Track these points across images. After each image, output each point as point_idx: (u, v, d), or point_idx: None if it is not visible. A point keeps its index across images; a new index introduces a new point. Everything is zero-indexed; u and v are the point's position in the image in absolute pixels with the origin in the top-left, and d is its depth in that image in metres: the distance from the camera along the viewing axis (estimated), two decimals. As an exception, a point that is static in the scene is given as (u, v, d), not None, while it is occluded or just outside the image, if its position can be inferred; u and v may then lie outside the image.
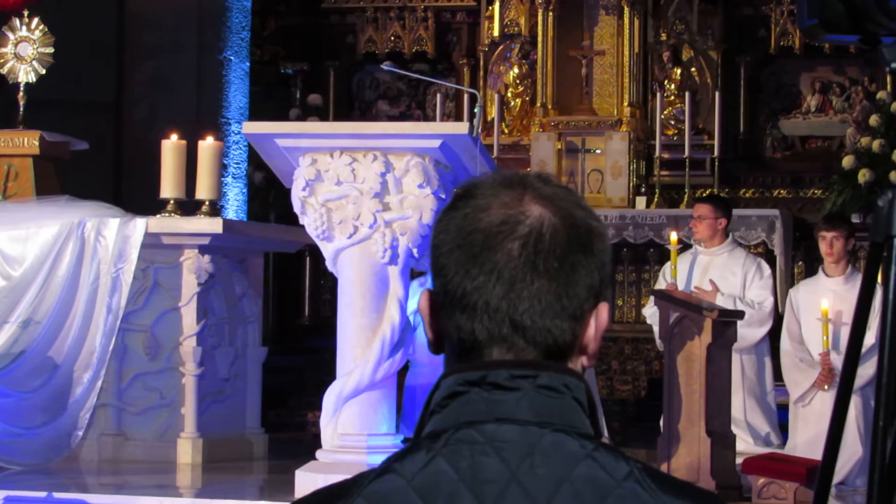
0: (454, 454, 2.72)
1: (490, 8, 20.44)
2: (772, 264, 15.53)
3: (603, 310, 2.75)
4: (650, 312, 12.87)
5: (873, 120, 18.39)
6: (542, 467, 2.71)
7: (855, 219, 15.16)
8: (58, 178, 14.99)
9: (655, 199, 19.22)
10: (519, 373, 2.74)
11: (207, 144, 13.53)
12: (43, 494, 11.33)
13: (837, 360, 12.62)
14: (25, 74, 15.41)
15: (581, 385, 2.80)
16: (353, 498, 2.76)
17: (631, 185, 19.38)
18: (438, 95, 19.16)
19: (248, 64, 21.22)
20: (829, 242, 13.42)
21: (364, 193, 11.14)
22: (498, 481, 2.73)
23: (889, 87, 18.97)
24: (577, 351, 2.79)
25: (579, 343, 2.78)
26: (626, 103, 19.81)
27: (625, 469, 2.74)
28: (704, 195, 16.69)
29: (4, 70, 15.50)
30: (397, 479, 2.74)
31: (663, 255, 14.16)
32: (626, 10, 19.80)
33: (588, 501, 2.74)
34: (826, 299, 12.92)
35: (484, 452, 2.71)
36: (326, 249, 11.38)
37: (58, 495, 11.31)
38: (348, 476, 2.82)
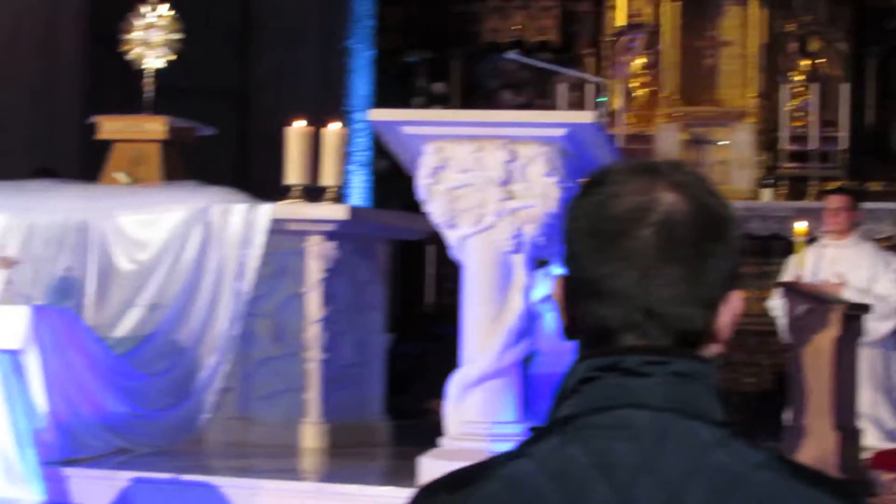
0: (586, 439, 2.75)
1: (613, 5, 20.41)
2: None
3: (736, 298, 2.76)
4: (776, 305, 12.80)
5: None
6: (675, 454, 2.73)
7: None
8: (184, 164, 15.07)
9: (781, 191, 19.14)
10: (652, 359, 2.76)
11: (332, 131, 13.56)
12: (168, 476, 11.40)
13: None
14: (153, 62, 15.47)
15: (714, 372, 2.78)
16: (486, 481, 2.79)
17: (756, 176, 19.31)
18: (563, 85, 19.10)
19: (371, 52, 21.28)
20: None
21: (489, 182, 11.12)
22: (630, 467, 2.74)
23: None
24: (709, 338, 2.79)
25: (711, 330, 2.79)
26: (751, 94, 19.70)
27: (757, 457, 2.74)
28: (837, 187, 16.57)
29: (132, 55, 15.57)
30: (530, 463, 2.76)
31: (788, 248, 14.01)
32: (753, 1, 19.72)
33: (721, 489, 2.75)
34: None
35: (616, 438, 2.74)
36: (451, 237, 11.36)
37: (183, 477, 11.37)
38: (474, 462, 2.84)
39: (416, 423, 13.03)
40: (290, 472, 11.94)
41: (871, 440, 12.71)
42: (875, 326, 12.89)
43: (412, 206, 12.30)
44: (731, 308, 2.79)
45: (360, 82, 21.00)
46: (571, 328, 2.85)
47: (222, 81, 19.90)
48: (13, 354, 10.97)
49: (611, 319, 2.76)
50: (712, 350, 2.84)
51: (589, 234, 2.75)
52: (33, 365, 11.29)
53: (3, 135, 19.14)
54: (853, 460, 11.63)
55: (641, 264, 2.72)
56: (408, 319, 16.51)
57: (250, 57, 21.24)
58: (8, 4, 20.05)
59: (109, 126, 15.29)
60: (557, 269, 12.04)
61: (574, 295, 2.81)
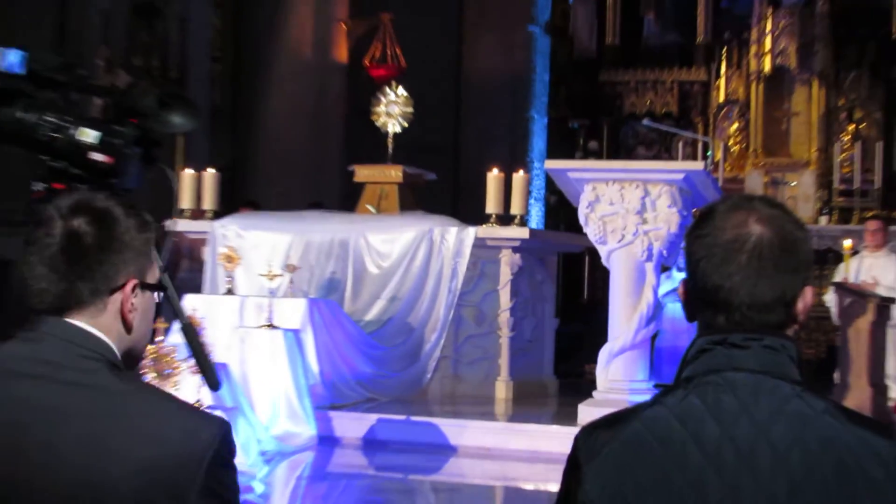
0: (702, 392, 2.83)
1: (718, 81, 20.21)
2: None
3: (808, 292, 2.83)
4: (829, 298, 12.73)
5: None
6: (764, 403, 2.81)
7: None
8: (415, 199, 15.14)
9: (833, 218, 18.95)
10: (750, 336, 2.84)
11: (519, 176, 13.61)
12: (402, 418, 11.50)
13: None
14: (393, 126, 15.55)
15: (793, 346, 2.85)
16: (631, 422, 2.85)
17: (816, 207, 19.10)
18: (681, 143, 18.98)
19: (546, 119, 21.22)
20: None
21: (629, 211, 11.17)
22: (733, 412, 2.80)
23: None
24: (791, 321, 2.85)
25: (791, 316, 2.83)
26: (814, 149, 19.39)
27: (822, 405, 2.80)
28: (873, 215, 16.42)
29: (378, 122, 15.66)
30: (662, 409, 2.83)
31: (838, 258, 13.94)
32: (815, 82, 19.42)
33: (796, 427, 2.80)
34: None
35: (723, 391, 2.83)
36: (602, 250, 11.42)
37: (413, 418, 11.47)
38: (617, 409, 2.90)
39: (576, 381, 13.02)
40: (487, 415, 12.03)
41: (895, 393, 12.64)
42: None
43: (575, 228, 12.36)
44: (805, 301, 2.85)
45: (538, 140, 20.93)
46: (690, 315, 2.91)
47: (441, 140, 19.90)
48: (295, 332, 11.10)
49: (724, 312, 2.82)
50: (792, 329, 2.86)
51: (704, 257, 2.85)
52: (309, 339, 11.43)
53: (287, 179, 19.31)
54: (882, 407, 11.56)
55: (741, 277, 2.81)
56: (570, 308, 16.45)
57: (461, 122, 21.21)
58: (292, 91, 20.21)
59: (362, 172, 15.44)
60: (679, 275, 12.07)
61: (694, 293, 2.90)
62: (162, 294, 3.55)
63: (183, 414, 2.82)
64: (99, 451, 2.68)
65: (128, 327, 2.81)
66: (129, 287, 2.79)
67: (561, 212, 17.85)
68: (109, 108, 4.26)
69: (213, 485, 2.74)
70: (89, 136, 4.09)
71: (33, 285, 2.79)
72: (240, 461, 8.78)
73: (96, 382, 2.74)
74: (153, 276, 2.89)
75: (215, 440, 2.74)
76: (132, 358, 2.90)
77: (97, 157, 4.08)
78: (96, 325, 2.78)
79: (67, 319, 2.78)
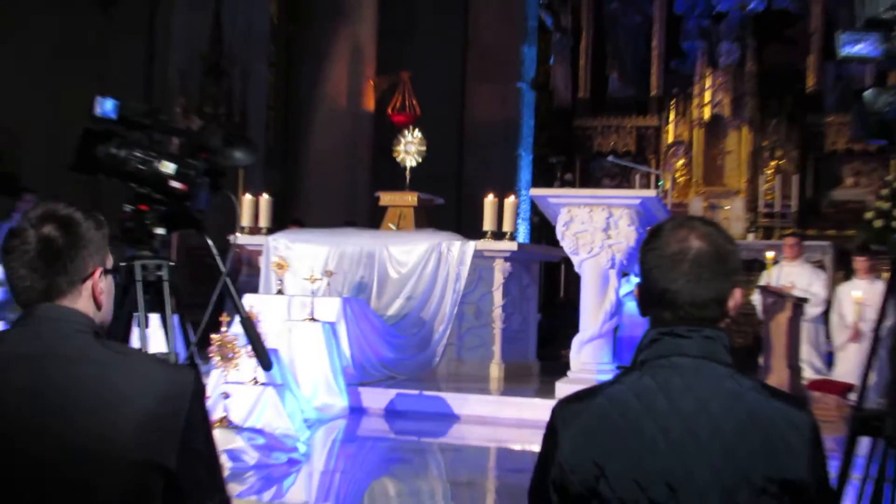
0: (654, 373, 2.84)
1: (667, 126, 20.13)
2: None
3: (738, 293, 2.85)
4: (755, 298, 12.74)
5: (885, 192, 17.97)
6: (705, 381, 2.82)
7: (874, 248, 14.74)
8: (427, 219, 15.10)
9: (759, 235, 18.91)
10: (692, 328, 2.84)
11: (509, 201, 13.58)
12: (416, 392, 11.49)
13: (863, 327, 12.41)
14: (410, 161, 15.51)
15: (726, 336, 2.87)
16: (596, 396, 2.86)
17: (745, 226, 19.05)
18: (638, 175, 18.93)
19: (531, 156, 21.18)
20: (861, 262, 13.18)
21: (596, 229, 11.15)
22: (679, 389, 2.80)
23: (892, 172, 18.38)
24: (724, 316, 2.86)
25: (724, 312, 2.84)
26: (743, 180, 19.27)
27: (749, 384, 2.81)
28: (791, 233, 16.45)
29: (398, 158, 15.61)
30: (622, 387, 2.84)
31: (762, 266, 13.93)
32: (745, 127, 19.32)
33: (729, 402, 2.80)
34: (857, 291, 12.67)
35: (671, 372, 2.84)
36: (575, 260, 11.39)
37: (424, 392, 11.45)
38: (586, 387, 2.91)
39: (554, 363, 12.97)
40: (484, 390, 12.01)
41: (808, 374, 12.59)
42: (811, 310, 12.78)
43: (553, 242, 12.35)
44: (735, 300, 2.86)
45: (524, 173, 20.87)
46: (643, 312, 2.91)
47: (447, 172, 19.88)
48: (331, 325, 11.09)
49: (671, 309, 2.84)
50: (724, 323, 2.87)
51: (654, 267, 2.88)
52: (342, 330, 11.42)
53: (326, 202, 19.31)
54: (797, 385, 11.53)
55: (684, 281, 2.84)
56: (549, 306, 16.39)
57: (463, 158, 21.20)
58: (330, 133, 20.19)
59: (385, 198, 15.42)
60: (635, 279, 12.06)
61: (647, 294, 2.92)
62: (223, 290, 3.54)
63: (162, 365, 2.88)
64: (103, 406, 2.67)
65: (98, 306, 2.83)
66: (96, 275, 2.80)
67: (542, 230, 17.78)
68: (185, 145, 4.26)
69: (195, 426, 2.76)
70: (168, 167, 4.08)
71: (18, 284, 2.77)
72: (287, 426, 8.77)
73: (89, 349, 2.75)
74: (110, 263, 2.90)
75: (195, 384, 2.79)
76: (102, 329, 2.89)
77: (175, 184, 4.08)
78: (77, 300, 2.78)
79: (67, 306, 2.79)
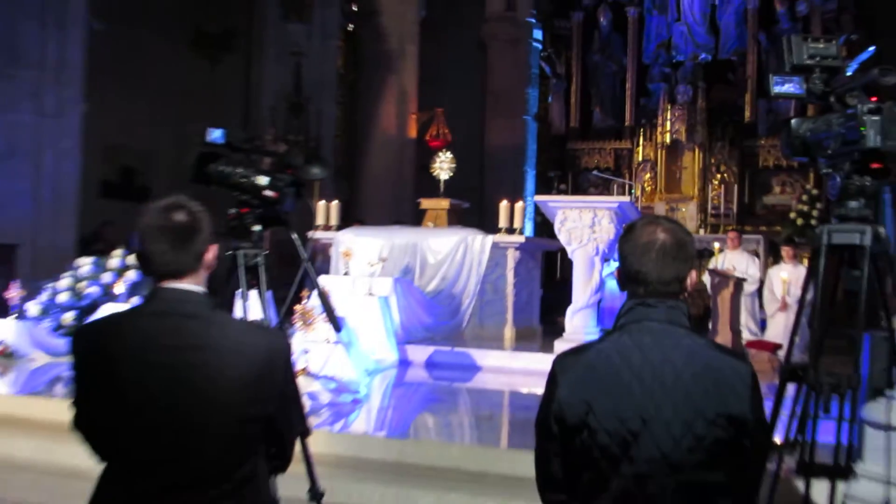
0: (630, 334, 2.85)
1: (637, 148, 19.96)
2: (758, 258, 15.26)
3: (693, 274, 2.84)
4: (706, 278, 12.67)
5: (805, 198, 17.85)
6: (668, 340, 2.82)
7: (799, 239, 14.63)
8: (456, 219, 15.04)
9: (708, 230, 18.77)
10: (659, 300, 2.83)
11: (518, 205, 13.49)
12: (449, 349, 11.44)
13: (789, 300, 12.31)
14: (443, 176, 15.48)
15: (684, 306, 2.89)
16: (588, 351, 2.85)
17: (697, 224, 18.91)
18: (615, 185, 18.83)
19: (534, 172, 21.11)
20: (787, 251, 13.09)
21: (585, 226, 11.06)
22: (649, 346, 2.78)
23: (814, 181, 18.23)
24: (682, 291, 2.87)
25: (683, 288, 2.84)
26: (696, 189, 19.12)
27: (703, 342, 2.80)
28: (732, 228, 16.36)
29: (434, 173, 15.58)
30: (606, 344, 2.84)
31: (711, 254, 13.84)
32: (697, 149, 19.12)
33: (687, 355, 2.78)
34: (784, 273, 12.56)
35: (643, 333, 2.84)
36: (568, 250, 11.29)
37: (455, 349, 11.42)
38: (578, 344, 2.93)
39: (553, 327, 12.90)
40: (500, 347, 11.94)
41: (746, 336, 12.50)
42: (748, 288, 12.67)
43: (552, 236, 12.27)
44: (691, 279, 2.84)
45: (530, 184, 20.85)
46: (622, 287, 2.89)
47: (472, 183, 19.83)
48: (385, 298, 11.06)
49: (643, 285, 2.83)
50: (683, 296, 2.84)
51: (629, 254, 2.88)
52: (393, 302, 11.39)
53: (380, 207, 19.32)
54: (738, 344, 11.44)
55: (653, 264, 2.85)
56: (549, 283, 16.31)
57: (484, 173, 21.15)
58: (383, 155, 20.19)
59: (425, 203, 15.39)
60: (615, 264, 12.01)
61: (624, 274, 2.92)
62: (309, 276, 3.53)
63: (260, 329, 2.86)
64: (221, 362, 2.65)
65: (210, 275, 2.80)
66: (211, 252, 2.74)
67: (543, 226, 17.74)
68: (274, 164, 4.25)
69: (287, 379, 2.79)
70: (263, 180, 4.08)
71: (159, 259, 2.69)
72: (352, 375, 8.72)
73: (208, 317, 2.71)
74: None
75: (287, 345, 2.82)
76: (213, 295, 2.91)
77: (268, 193, 4.08)
78: (196, 279, 2.72)
79: (175, 285, 2.72)
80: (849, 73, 3.56)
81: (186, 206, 2.72)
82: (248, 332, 2.73)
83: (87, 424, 2.66)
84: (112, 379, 2.58)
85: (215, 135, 4.15)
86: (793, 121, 3.62)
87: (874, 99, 3.34)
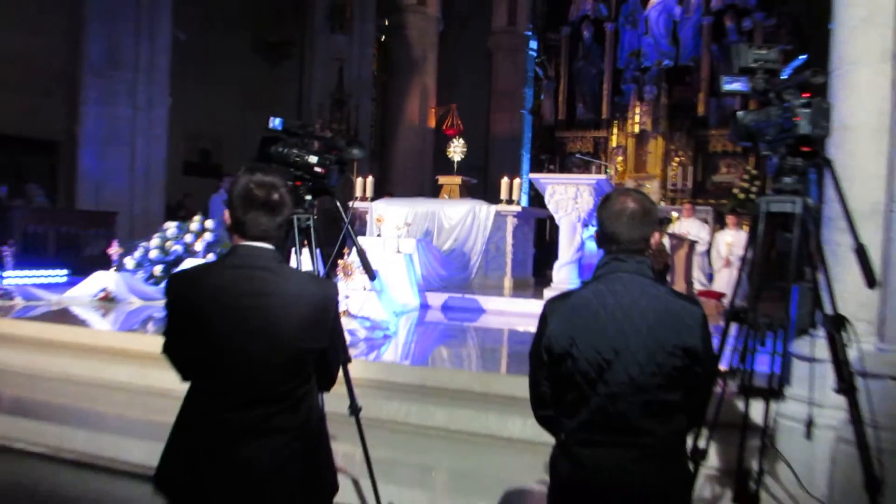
0: (605, 282, 2.83)
1: (612, 136, 19.80)
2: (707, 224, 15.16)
3: (657, 235, 2.81)
4: (665, 241, 12.58)
5: (746, 177, 17.69)
6: (636, 287, 2.81)
7: (741, 210, 14.53)
8: (467, 192, 14.95)
9: (668, 202, 18.61)
10: (629, 256, 2.79)
11: (516, 181, 13.40)
12: (460, 295, 11.40)
13: (732, 258, 12.23)
14: (456, 158, 15.35)
15: (649, 261, 2.92)
16: (571, 296, 2.84)
17: (659, 197, 18.76)
18: (594, 167, 18.65)
19: (529, 155, 20.99)
20: (730, 219, 13.00)
21: (569, 198, 10.97)
22: (620, 291, 2.78)
23: (753, 164, 18.07)
24: (647, 249, 2.85)
25: (648, 247, 2.81)
26: (658, 170, 18.96)
27: (664, 290, 2.79)
28: (687, 201, 16.23)
29: (450, 156, 15.46)
30: (586, 290, 2.82)
31: (670, 221, 13.74)
32: (660, 138, 18.92)
33: (651, 299, 2.77)
34: (728, 237, 12.49)
35: (616, 282, 2.84)
36: (556, 217, 11.19)
37: (465, 295, 11.39)
38: (564, 290, 2.89)
39: (543, 279, 12.86)
40: (500, 293, 11.88)
41: (697, 287, 12.46)
42: (699, 248, 12.63)
43: (542, 206, 12.17)
44: (654, 239, 2.81)
45: (525, 165, 20.75)
46: (600, 245, 2.85)
47: (479, 164, 19.74)
48: (409, 255, 11.03)
49: (616, 244, 2.77)
50: (647, 253, 2.83)
51: (606, 219, 2.82)
52: (416, 258, 11.37)
53: (406, 182, 19.25)
54: (691, 293, 11.40)
55: (624, 227, 2.86)
56: (539, 244, 16.24)
57: (489, 156, 21.05)
58: (409, 141, 20.08)
59: (442, 179, 15.28)
60: (593, 228, 11.93)
61: (601, 236, 2.87)
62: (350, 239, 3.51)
63: (316, 279, 2.83)
64: (284, 305, 2.65)
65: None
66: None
67: (536, 199, 17.62)
68: (322, 146, 4.23)
69: (336, 320, 2.77)
70: (313, 159, 4.06)
71: (252, 226, 2.66)
72: (383, 316, 8.70)
73: (275, 268, 2.69)
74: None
75: (336, 292, 2.78)
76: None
77: (317, 169, 4.06)
78: (270, 240, 2.70)
79: (251, 244, 2.68)
80: (784, 76, 3.53)
81: (279, 187, 2.70)
82: (307, 282, 2.73)
83: (175, 352, 2.69)
84: (196, 317, 2.60)
85: (275, 122, 4.14)
86: (739, 113, 3.58)
87: (806, 95, 3.31)
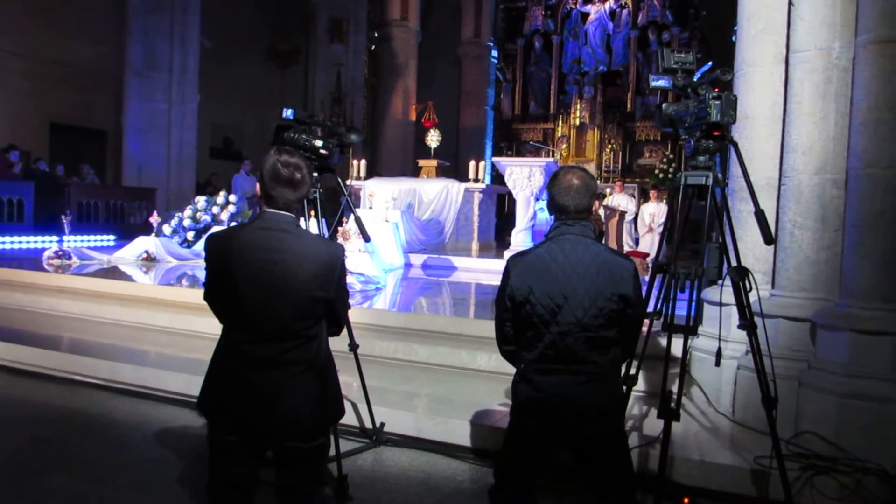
0: (556, 243, 2.81)
1: (558, 128, 19.64)
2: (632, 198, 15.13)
3: (596, 204, 2.78)
4: (601, 212, 12.59)
5: (665, 160, 17.71)
6: (580, 246, 2.79)
7: (661, 186, 14.56)
8: (442, 173, 14.77)
9: (602, 181, 18.63)
10: (574, 220, 2.78)
11: (482, 163, 13.28)
12: (437, 256, 11.34)
13: (654, 226, 12.27)
14: (433, 145, 15.20)
15: (591, 226, 2.96)
16: (528, 254, 2.82)
17: (595, 177, 18.75)
18: (544, 152, 18.61)
19: (492, 142, 20.85)
20: (653, 194, 13.02)
21: (524, 178, 10.96)
22: (568, 250, 2.76)
23: (670, 149, 18.10)
24: (589, 216, 2.79)
25: (590, 214, 2.77)
26: (595, 154, 19.02)
27: (603, 248, 2.78)
28: (618, 179, 16.23)
29: (427, 143, 15.27)
30: (540, 249, 2.80)
31: (604, 196, 13.73)
32: (596, 128, 18.91)
33: (593, 255, 2.75)
34: (650, 208, 12.52)
35: (564, 242, 2.81)
36: (514, 193, 11.20)
37: (440, 256, 11.33)
38: (522, 249, 2.85)
39: (503, 243, 12.82)
40: (469, 254, 11.84)
41: (626, 249, 12.47)
42: (627, 217, 12.66)
43: (503, 184, 12.10)
44: (594, 209, 2.77)
45: (489, 151, 20.60)
46: (551, 213, 2.83)
47: (450, 150, 19.55)
48: (395, 224, 10.94)
49: (564, 213, 2.73)
50: (589, 219, 2.79)
51: (556, 192, 2.78)
52: (401, 226, 11.27)
53: (392, 165, 19.09)
54: (622, 253, 11.43)
55: (571, 198, 2.82)
56: (500, 214, 16.18)
57: (459, 143, 20.88)
58: (394, 131, 19.88)
59: (422, 162, 15.06)
60: (543, 202, 11.90)
61: (552, 206, 2.83)
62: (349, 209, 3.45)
63: (326, 241, 2.78)
64: (298, 260, 2.62)
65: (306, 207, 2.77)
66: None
67: (497, 178, 17.52)
68: (326, 133, 4.16)
69: (341, 275, 2.72)
70: (318, 143, 3.99)
71: (278, 197, 2.61)
72: (375, 272, 8.62)
73: (292, 230, 2.65)
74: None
75: (342, 253, 2.73)
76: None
77: (322, 151, 3.99)
78: (289, 209, 2.65)
79: (275, 210, 2.62)
80: (696, 77, 3.52)
81: (301, 167, 2.65)
82: (318, 243, 2.71)
83: (212, 298, 2.71)
84: (228, 269, 2.60)
85: (288, 113, 4.07)
86: (663, 105, 3.56)
87: (717, 90, 3.29)
